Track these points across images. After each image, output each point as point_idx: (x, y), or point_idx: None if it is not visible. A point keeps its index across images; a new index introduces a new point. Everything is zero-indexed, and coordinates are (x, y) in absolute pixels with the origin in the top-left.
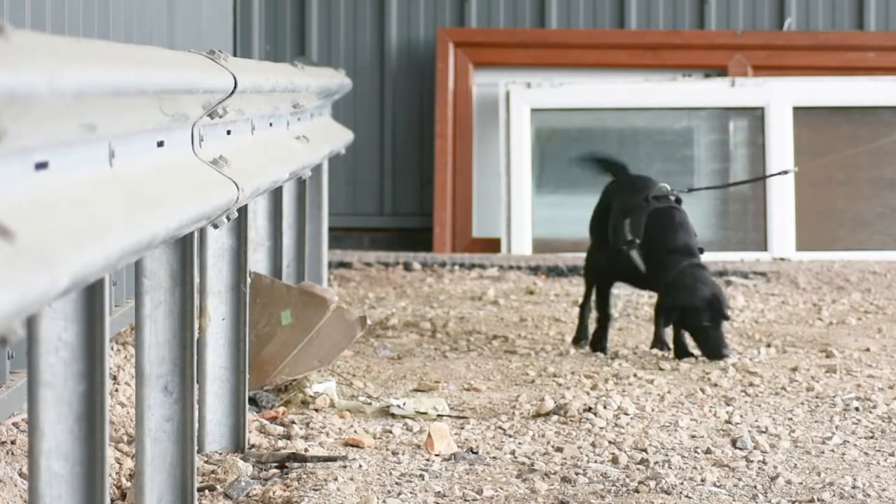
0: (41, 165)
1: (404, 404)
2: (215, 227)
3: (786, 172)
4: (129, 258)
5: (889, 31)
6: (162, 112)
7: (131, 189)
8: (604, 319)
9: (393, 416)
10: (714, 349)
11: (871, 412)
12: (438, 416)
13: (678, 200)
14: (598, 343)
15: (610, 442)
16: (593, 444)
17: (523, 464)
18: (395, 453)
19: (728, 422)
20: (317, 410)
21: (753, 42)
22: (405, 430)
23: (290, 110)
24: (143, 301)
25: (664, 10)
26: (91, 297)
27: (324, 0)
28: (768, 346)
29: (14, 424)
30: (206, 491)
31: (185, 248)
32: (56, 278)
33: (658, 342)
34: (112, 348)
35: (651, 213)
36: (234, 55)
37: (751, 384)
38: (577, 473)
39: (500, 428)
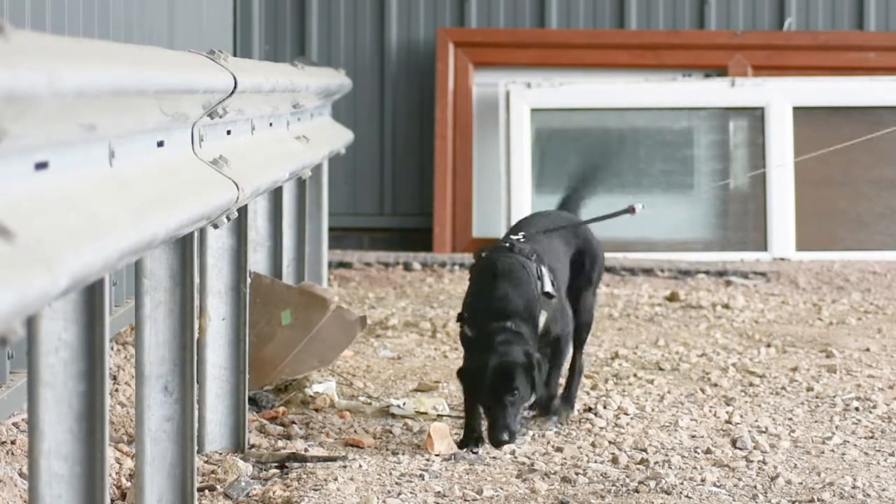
0: (41, 165)
1: (404, 404)
2: (215, 227)
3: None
4: (129, 258)
5: (889, 31)
6: (162, 112)
7: (131, 189)
8: None
9: (393, 416)
10: None
11: (871, 412)
12: (438, 416)
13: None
14: None
15: (610, 442)
16: (593, 444)
17: (523, 464)
18: (395, 453)
19: (728, 422)
20: (317, 410)
21: (753, 42)
22: (405, 430)
23: (290, 110)
24: (143, 301)
25: (664, 10)
26: (91, 297)
27: (324, 0)
28: (768, 346)
29: (14, 424)
30: (206, 491)
31: (185, 248)
32: (56, 278)
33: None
34: (112, 348)
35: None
36: (234, 55)
37: (751, 384)
38: (577, 473)
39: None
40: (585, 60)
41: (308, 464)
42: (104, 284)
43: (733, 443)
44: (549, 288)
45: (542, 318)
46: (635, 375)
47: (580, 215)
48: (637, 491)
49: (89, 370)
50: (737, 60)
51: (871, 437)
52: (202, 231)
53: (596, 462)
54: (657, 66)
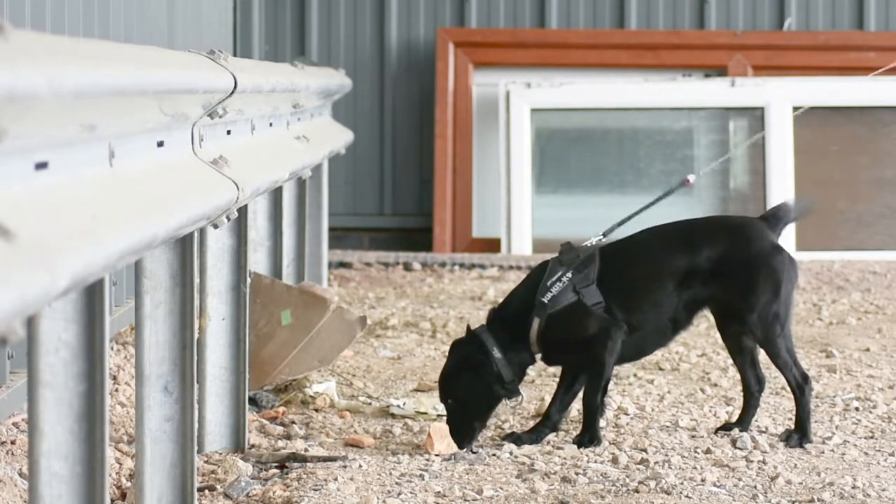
0: (41, 165)
1: (404, 404)
2: (215, 227)
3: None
4: (129, 258)
5: (889, 31)
6: (162, 112)
7: (131, 189)
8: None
9: (393, 416)
10: None
11: (871, 412)
12: (438, 416)
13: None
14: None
15: (610, 442)
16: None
17: (523, 464)
18: (395, 453)
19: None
20: (317, 410)
21: (753, 42)
22: (405, 430)
23: (290, 110)
24: (143, 301)
25: (664, 10)
26: (91, 297)
27: (324, 0)
28: None
29: (14, 424)
30: (206, 491)
31: (185, 248)
32: (56, 278)
33: None
34: (112, 348)
35: None
36: (234, 55)
37: None
38: (577, 473)
39: (499, 428)
40: (585, 60)
41: (308, 464)
42: (104, 284)
43: (733, 443)
44: (545, 298)
45: (535, 325)
46: (635, 375)
47: (779, 233)
48: (637, 491)
49: (89, 370)
50: (737, 60)
51: (871, 437)
52: (202, 231)
53: (596, 462)
54: (657, 66)
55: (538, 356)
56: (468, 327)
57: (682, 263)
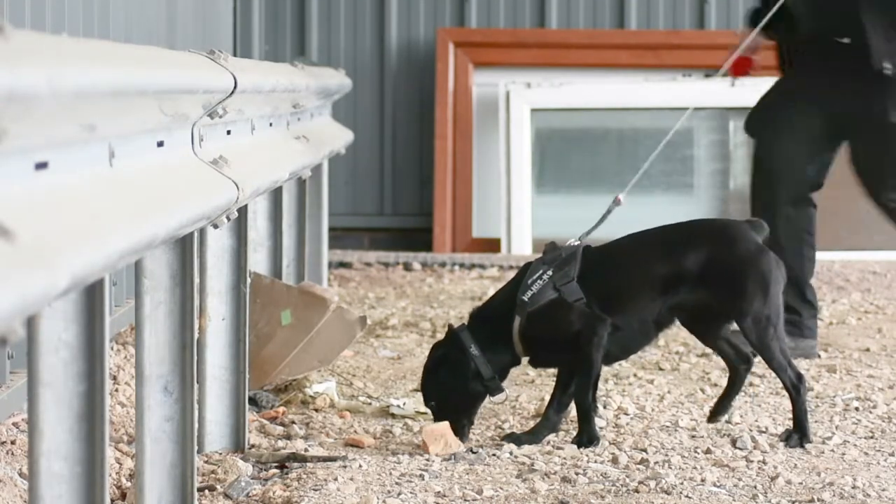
0: (41, 165)
1: (404, 404)
2: (215, 227)
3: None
4: (129, 258)
5: None
6: (162, 112)
7: (131, 189)
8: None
9: (393, 416)
10: None
11: (871, 412)
12: None
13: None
14: None
15: (610, 442)
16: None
17: (523, 464)
18: (395, 453)
19: (728, 422)
20: (317, 410)
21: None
22: (405, 430)
23: (290, 110)
24: (143, 301)
25: (664, 10)
26: (91, 297)
27: (324, 0)
28: None
29: (14, 424)
30: (206, 491)
31: (185, 248)
32: (56, 278)
33: None
34: (112, 348)
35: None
36: (234, 55)
37: (751, 384)
38: (577, 473)
39: (499, 428)
40: (585, 60)
41: (308, 464)
42: (104, 284)
43: (733, 443)
44: (525, 296)
45: (516, 323)
46: (635, 375)
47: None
48: (637, 491)
49: (89, 370)
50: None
51: (871, 437)
52: (202, 231)
53: (596, 462)
54: (657, 66)
55: (525, 358)
56: (449, 326)
57: (665, 269)
